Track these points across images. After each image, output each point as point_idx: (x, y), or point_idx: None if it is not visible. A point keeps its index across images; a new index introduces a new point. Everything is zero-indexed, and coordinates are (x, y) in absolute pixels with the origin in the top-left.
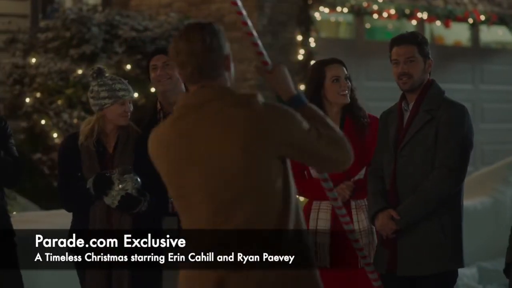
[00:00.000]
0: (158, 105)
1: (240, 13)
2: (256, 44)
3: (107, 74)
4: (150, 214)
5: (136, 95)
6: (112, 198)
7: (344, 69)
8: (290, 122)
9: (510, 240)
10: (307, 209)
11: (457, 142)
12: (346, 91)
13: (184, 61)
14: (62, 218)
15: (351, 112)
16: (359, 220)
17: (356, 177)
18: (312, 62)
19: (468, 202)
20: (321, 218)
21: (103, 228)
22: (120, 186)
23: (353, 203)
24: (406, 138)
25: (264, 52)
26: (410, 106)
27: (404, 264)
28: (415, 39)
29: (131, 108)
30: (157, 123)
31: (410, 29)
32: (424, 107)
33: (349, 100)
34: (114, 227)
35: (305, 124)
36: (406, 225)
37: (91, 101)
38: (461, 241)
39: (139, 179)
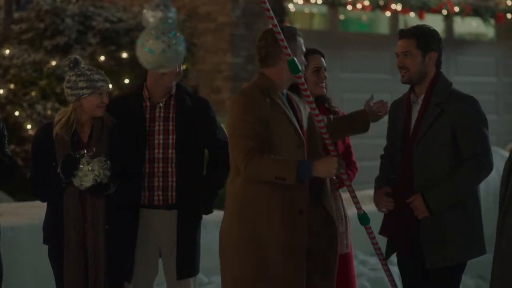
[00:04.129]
0: (146, 93)
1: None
2: (282, 40)
3: (83, 65)
4: (123, 201)
5: (110, 86)
6: (80, 179)
7: (323, 60)
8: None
9: (496, 234)
10: None
11: (480, 132)
12: (324, 83)
13: None
14: (37, 209)
15: (323, 101)
16: (336, 208)
17: None
18: None
19: None
20: None
21: (77, 212)
22: (87, 167)
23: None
24: (420, 132)
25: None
26: (420, 100)
27: (432, 254)
28: (415, 33)
29: (107, 100)
30: (143, 111)
31: (384, 21)
32: (434, 101)
33: (325, 91)
34: (88, 212)
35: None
36: (440, 211)
37: (67, 91)
38: (482, 228)
39: (109, 162)
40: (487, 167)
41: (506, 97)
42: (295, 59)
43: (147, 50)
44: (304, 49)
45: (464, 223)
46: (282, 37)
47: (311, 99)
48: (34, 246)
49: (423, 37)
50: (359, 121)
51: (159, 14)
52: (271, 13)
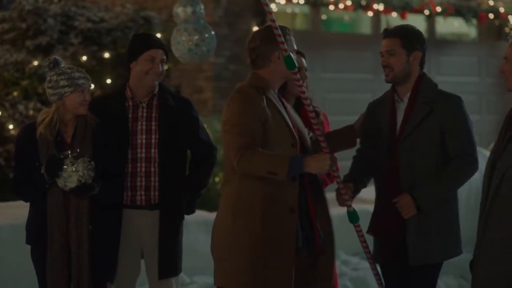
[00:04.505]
0: (129, 93)
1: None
2: (279, 35)
3: (63, 65)
4: (106, 201)
5: (92, 86)
6: (64, 180)
7: (304, 60)
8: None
9: (478, 235)
10: None
11: (468, 131)
12: (305, 83)
13: None
14: (19, 209)
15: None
16: None
17: None
18: None
19: None
20: None
21: (60, 213)
22: (71, 167)
23: None
24: (407, 130)
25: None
26: (405, 99)
27: (415, 252)
28: (400, 32)
29: (89, 98)
30: (125, 111)
31: (366, 21)
32: (421, 100)
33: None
34: (72, 213)
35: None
36: (428, 210)
37: (49, 91)
38: (459, 228)
39: (93, 163)
40: (474, 165)
41: (489, 97)
42: (291, 54)
43: (180, 44)
44: (295, 48)
45: (445, 222)
46: (280, 32)
47: (306, 95)
48: (16, 246)
49: (407, 37)
50: (348, 137)
51: (189, 9)
52: (270, 8)
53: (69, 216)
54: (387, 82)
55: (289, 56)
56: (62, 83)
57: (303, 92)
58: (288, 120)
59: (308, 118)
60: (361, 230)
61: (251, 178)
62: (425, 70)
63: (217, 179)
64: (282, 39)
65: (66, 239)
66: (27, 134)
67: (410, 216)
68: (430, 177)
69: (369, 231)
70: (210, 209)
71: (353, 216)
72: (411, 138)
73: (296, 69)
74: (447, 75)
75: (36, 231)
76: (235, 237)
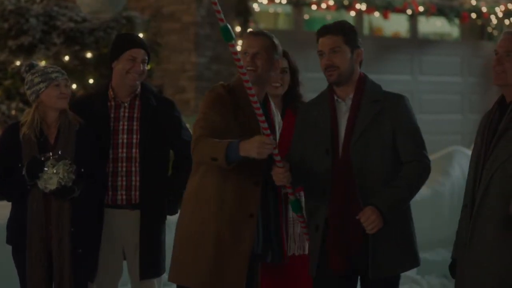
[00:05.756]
0: (111, 93)
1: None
2: (241, 67)
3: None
4: (88, 202)
5: (74, 86)
6: (44, 182)
7: (288, 61)
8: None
9: (456, 235)
10: None
11: (419, 133)
12: (278, 83)
13: None
14: (1, 209)
15: (292, 104)
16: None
17: None
18: None
19: None
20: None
21: (40, 214)
22: (52, 169)
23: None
24: (356, 132)
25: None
26: (348, 99)
27: (377, 264)
28: (340, 29)
29: (69, 92)
30: (107, 110)
31: (349, 21)
32: (368, 98)
33: (282, 92)
34: (53, 214)
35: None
36: (391, 220)
37: (27, 92)
38: (415, 238)
39: (74, 165)
40: (428, 170)
41: (471, 97)
42: (228, 26)
43: None
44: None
45: (403, 233)
46: (218, 8)
47: (247, 77)
48: (2, 247)
49: (349, 33)
50: None
51: None
52: None
53: (50, 217)
54: (331, 83)
55: (225, 27)
56: (36, 80)
57: (246, 81)
58: (256, 126)
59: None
60: (304, 221)
61: (211, 176)
62: (407, 70)
63: None
64: (219, 8)
65: (47, 239)
66: (9, 134)
67: (375, 227)
68: (389, 184)
69: (325, 244)
70: None
71: (295, 206)
72: (363, 140)
73: (234, 42)
74: (430, 74)
75: (16, 232)
76: (191, 234)
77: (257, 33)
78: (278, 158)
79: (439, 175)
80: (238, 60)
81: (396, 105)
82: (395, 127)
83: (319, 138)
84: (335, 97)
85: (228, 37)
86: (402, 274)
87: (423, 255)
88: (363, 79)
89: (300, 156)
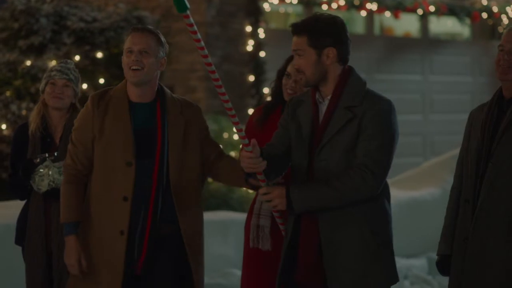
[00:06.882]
0: None
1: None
2: (205, 56)
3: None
4: None
5: (84, 86)
6: (37, 183)
7: None
8: None
9: (445, 231)
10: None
11: (383, 143)
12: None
13: None
14: (11, 210)
15: None
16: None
17: None
18: (262, 53)
19: (418, 193)
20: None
21: (40, 215)
22: (45, 170)
23: None
24: (324, 139)
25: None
26: (327, 101)
27: (335, 281)
28: (304, 29)
29: (72, 92)
30: None
31: (360, 21)
32: (344, 103)
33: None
34: (53, 215)
35: None
36: (299, 211)
37: None
38: (393, 253)
39: None
40: (368, 186)
41: (482, 97)
42: None
43: None
44: None
45: (367, 248)
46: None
47: (212, 67)
48: (8, 246)
49: (314, 33)
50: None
51: None
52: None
53: (50, 219)
54: (304, 87)
55: None
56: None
57: (209, 65)
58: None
59: None
60: (281, 217)
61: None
62: (418, 70)
63: (209, 179)
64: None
65: (47, 241)
66: (19, 133)
67: (277, 206)
68: (320, 182)
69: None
70: (203, 209)
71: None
72: (327, 148)
73: (188, 12)
74: (440, 74)
75: (21, 232)
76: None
77: (143, 29)
78: (245, 141)
79: (449, 175)
80: (195, 32)
81: (370, 110)
82: (360, 131)
83: (300, 139)
84: (317, 97)
85: (181, 7)
86: (413, 274)
87: (433, 255)
88: (344, 78)
89: (285, 150)
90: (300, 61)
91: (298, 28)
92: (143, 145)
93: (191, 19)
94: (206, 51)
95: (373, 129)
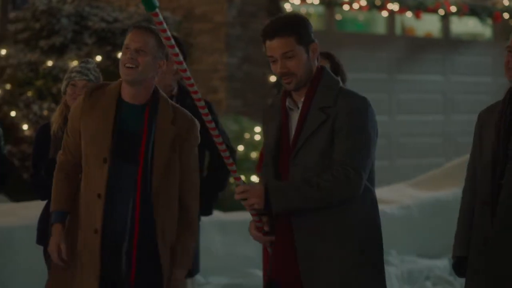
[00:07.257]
0: None
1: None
2: (176, 55)
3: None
4: None
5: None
6: None
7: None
8: None
9: (460, 234)
10: None
11: (360, 141)
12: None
13: None
14: (33, 210)
15: None
16: None
17: None
18: None
19: (441, 193)
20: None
21: None
22: None
23: None
24: (298, 143)
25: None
26: (299, 104)
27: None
28: (291, 28)
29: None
30: None
31: (381, 21)
32: (318, 104)
33: None
34: None
35: None
36: (277, 211)
37: None
38: (382, 262)
39: None
40: (353, 185)
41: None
42: None
43: None
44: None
45: (357, 253)
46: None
47: (188, 74)
48: (29, 247)
49: (300, 29)
50: None
51: None
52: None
53: None
54: (291, 90)
55: None
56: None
57: (190, 84)
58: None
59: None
60: (260, 221)
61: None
62: (439, 70)
63: (231, 179)
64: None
65: None
66: (41, 134)
67: (253, 205)
68: (301, 181)
69: (272, 275)
70: (224, 209)
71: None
72: (302, 152)
73: (157, 11)
74: (462, 74)
75: (43, 232)
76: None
77: (144, 28)
78: (233, 168)
79: None
80: (165, 31)
81: (344, 110)
82: (335, 133)
83: (268, 147)
84: (287, 104)
85: (150, 6)
86: (435, 275)
87: None
88: (318, 77)
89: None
90: (292, 63)
91: (281, 30)
92: (126, 146)
93: (161, 17)
94: (177, 50)
95: (348, 128)
